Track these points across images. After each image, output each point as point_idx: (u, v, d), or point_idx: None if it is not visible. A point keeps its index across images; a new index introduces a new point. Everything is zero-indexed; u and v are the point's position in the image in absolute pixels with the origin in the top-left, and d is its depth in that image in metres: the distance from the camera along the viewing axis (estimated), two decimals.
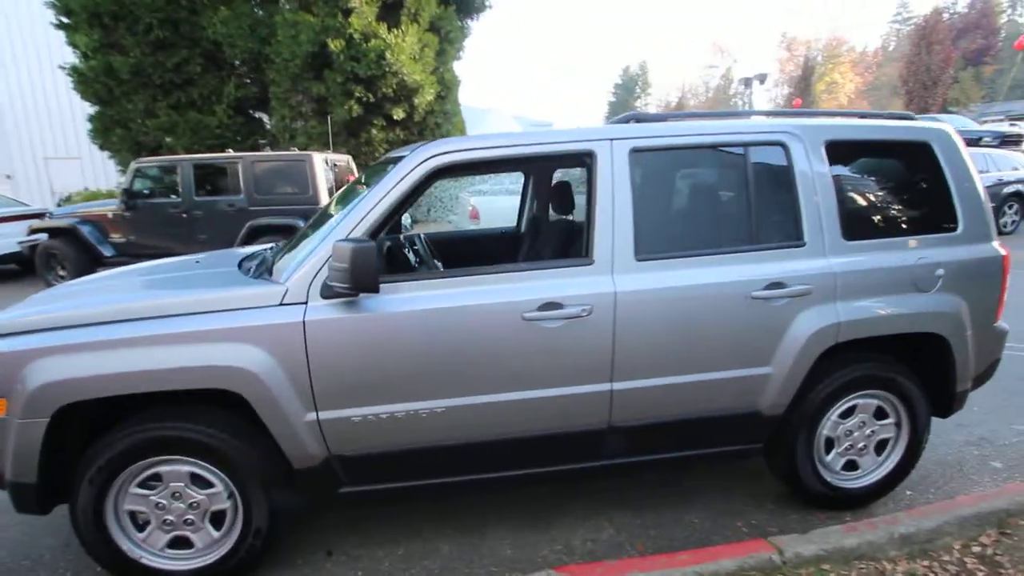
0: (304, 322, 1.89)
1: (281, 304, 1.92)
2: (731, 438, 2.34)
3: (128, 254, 7.68)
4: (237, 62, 10.97)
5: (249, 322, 1.88)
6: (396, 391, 1.98)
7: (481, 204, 9.01)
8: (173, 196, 7.61)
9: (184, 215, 7.58)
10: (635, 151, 2.13)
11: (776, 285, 2.16)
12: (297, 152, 7.98)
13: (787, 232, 2.25)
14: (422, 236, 2.58)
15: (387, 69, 9.71)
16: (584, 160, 2.13)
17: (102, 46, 10.54)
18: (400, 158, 2.13)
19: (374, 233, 1.99)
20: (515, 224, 3.82)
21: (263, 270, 2.16)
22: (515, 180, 9.25)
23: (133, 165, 7.80)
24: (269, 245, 2.86)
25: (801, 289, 2.18)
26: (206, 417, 1.93)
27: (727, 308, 2.15)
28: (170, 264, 2.65)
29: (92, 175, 17.42)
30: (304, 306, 1.92)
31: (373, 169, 2.75)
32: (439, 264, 2.34)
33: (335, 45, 9.54)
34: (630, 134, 2.15)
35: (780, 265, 2.19)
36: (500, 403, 2.04)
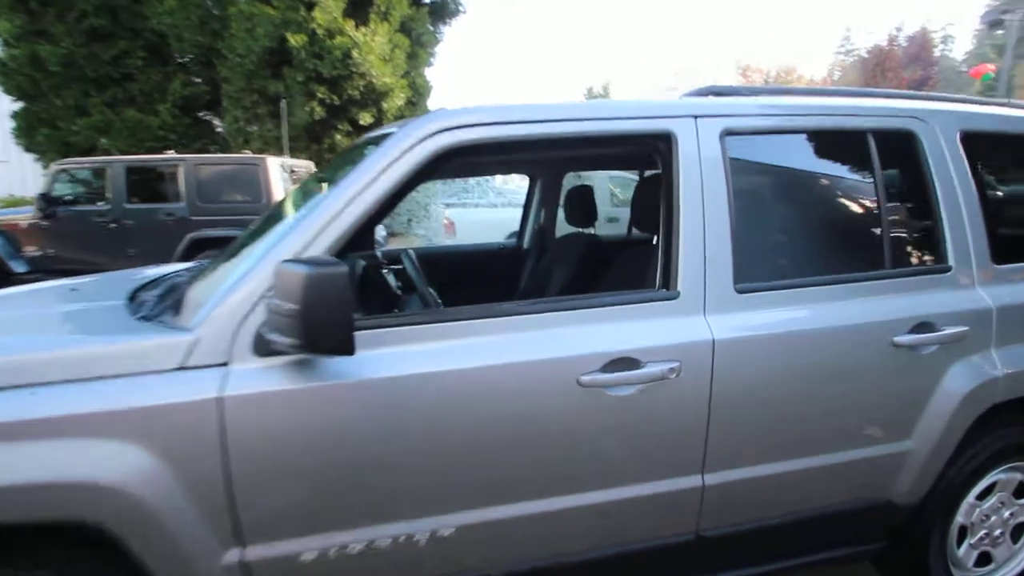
0: (221, 399, 1.12)
1: (182, 368, 1.13)
2: (845, 539, 1.68)
3: (44, 269, 6.54)
4: (184, 57, 9.95)
5: (123, 401, 1.09)
6: (380, 506, 1.22)
7: (456, 217, 8.27)
8: (100, 203, 6.57)
9: (112, 225, 6.53)
10: (729, 134, 1.47)
11: (924, 327, 1.52)
12: (249, 155, 7.08)
13: (925, 253, 1.64)
14: (412, 254, 1.85)
15: (354, 69, 8.93)
16: (656, 147, 1.45)
17: (27, 33, 9.35)
18: (386, 135, 1.41)
19: (343, 250, 1.25)
20: (516, 239, 3.12)
21: (164, 307, 1.37)
22: (497, 191, 8.62)
23: (53, 167, 6.74)
24: (187, 265, 2.04)
25: (955, 332, 1.54)
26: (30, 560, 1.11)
27: (864, 360, 1.49)
28: (24, 294, 1.80)
29: (20, 180, 15.77)
30: (223, 371, 1.14)
31: (341, 158, 2.00)
32: (437, 298, 1.63)
33: (296, 40, 8.70)
34: (720, 111, 1.49)
35: (924, 298, 1.56)
36: (541, 516, 1.31)
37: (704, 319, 1.37)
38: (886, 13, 49.08)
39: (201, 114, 10.80)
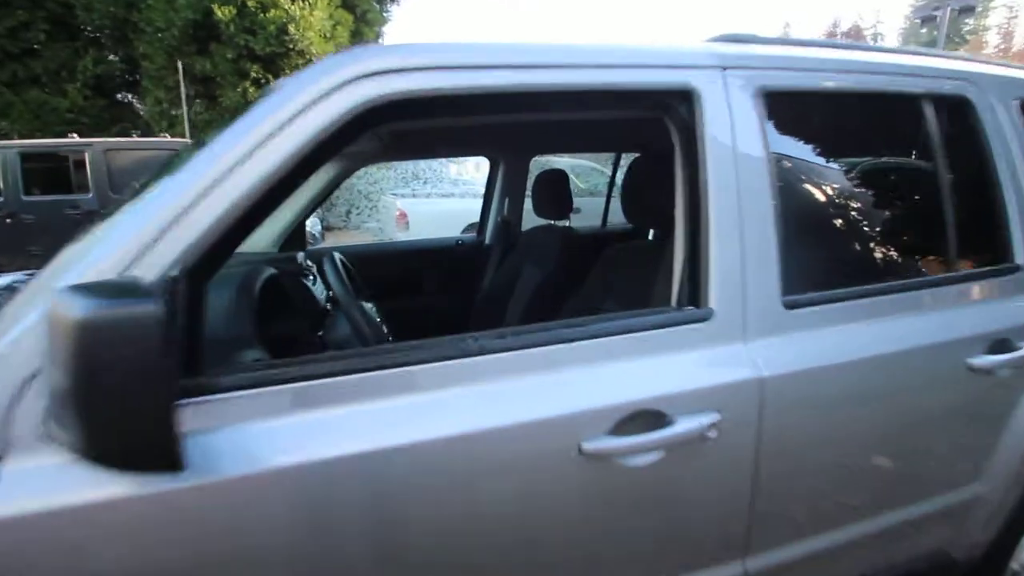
0: None
1: None
2: None
3: None
4: (95, 31, 8.86)
5: None
6: None
7: (410, 208, 7.68)
8: None
9: (7, 220, 5.66)
10: (767, 94, 1.08)
11: (1002, 345, 1.20)
12: (168, 139, 6.29)
13: (989, 249, 1.32)
14: (338, 258, 1.38)
15: (291, 46, 8.15)
16: (669, 109, 1.05)
17: None
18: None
19: (211, 260, 0.78)
20: (476, 232, 2.69)
21: None
22: (452, 181, 8.05)
23: None
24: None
25: None
26: None
27: (937, 390, 1.16)
28: None
29: None
30: None
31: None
32: (375, 319, 1.19)
33: (223, 13, 7.83)
34: (754, 62, 1.10)
35: (996, 307, 1.24)
36: None
37: (745, 347, 0.99)
38: (822, 10, 51.14)
39: (120, 96, 9.71)
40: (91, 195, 5.73)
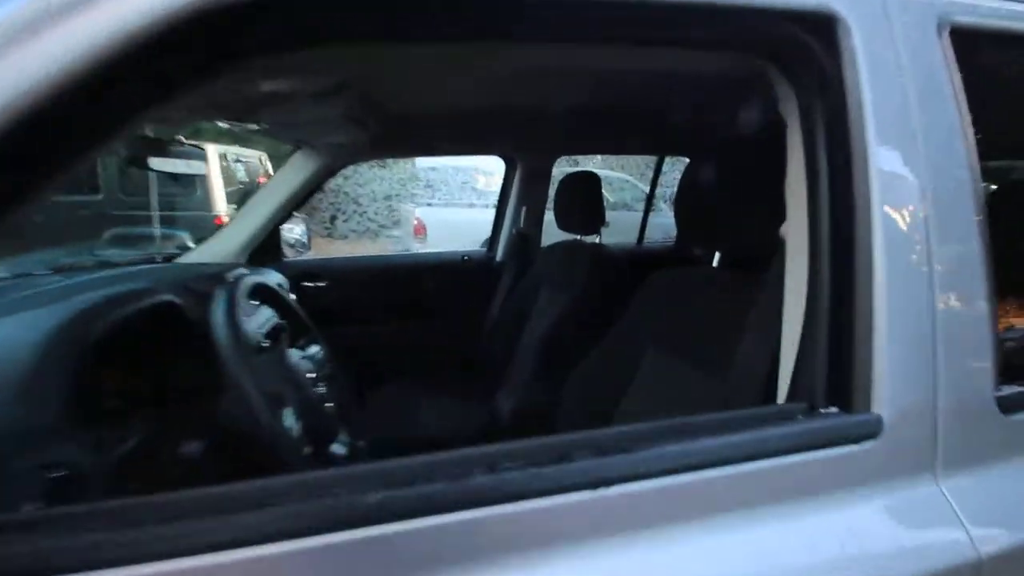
0: None
1: None
2: None
3: None
4: None
5: None
6: None
7: (429, 217, 7.30)
8: None
9: None
10: (957, 31, 0.62)
11: None
12: None
13: None
14: (282, 294, 0.95)
15: None
16: (786, 47, 0.60)
17: None
18: None
19: None
20: (487, 247, 2.26)
21: None
22: (479, 193, 7.56)
23: None
24: None
25: None
26: None
27: None
28: None
29: None
30: None
31: None
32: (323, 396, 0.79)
33: None
34: None
35: None
36: None
37: (940, 490, 0.52)
38: None
39: None
40: (101, 196, 5.53)
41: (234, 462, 0.68)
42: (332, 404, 0.88)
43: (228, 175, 5.81)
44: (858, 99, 0.56)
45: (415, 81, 1.26)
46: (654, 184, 2.55)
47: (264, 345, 0.96)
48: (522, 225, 2.13)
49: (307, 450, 0.72)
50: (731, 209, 0.89)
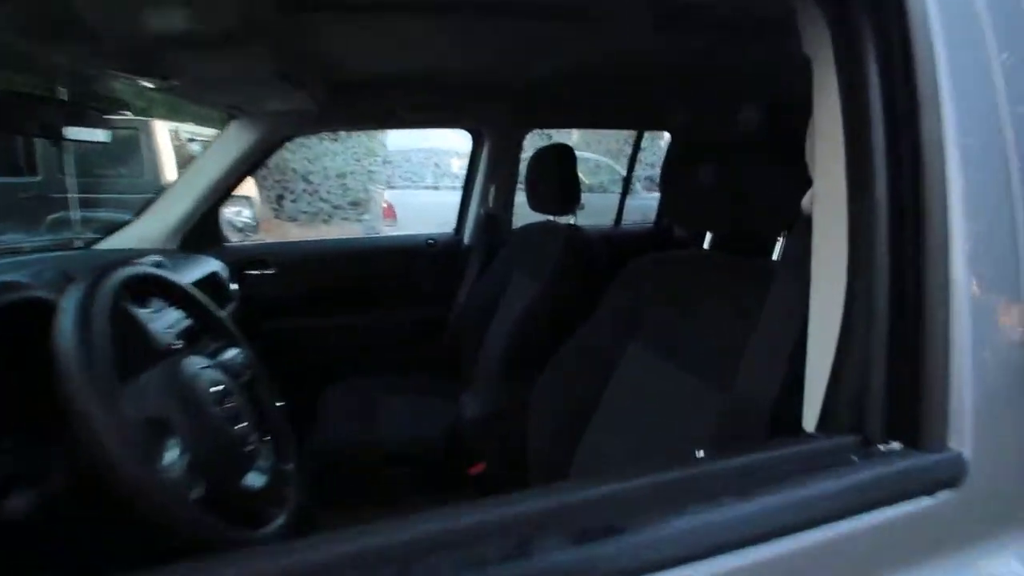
0: None
1: None
2: None
3: None
4: None
5: None
6: None
7: (399, 200, 7.02)
8: None
9: None
10: None
11: None
12: (129, 116, 5.66)
13: None
14: (182, 287, 0.76)
15: None
16: None
17: None
18: None
19: None
20: (454, 229, 2.08)
21: None
22: (455, 177, 7.25)
23: None
24: None
25: None
26: None
27: None
28: None
29: None
30: None
31: None
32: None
33: None
34: None
35: None
36: None
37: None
38: None
39: None
40: (40, 177, 5.12)
41: (80, 520, 0.51)
42: (246, 423, 0.71)
43: (183, 155, 5.43)
44: (923, 16, 0.40)
45: (361, 39, 1.07)
46: (633, 161, 2.40)
47: (175, 348, 0.78)
48: (491, 205, 1.95)
49: (196, 492, 0.55)
50: (729, 181, 0.74)
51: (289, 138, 1.68)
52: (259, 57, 0.99)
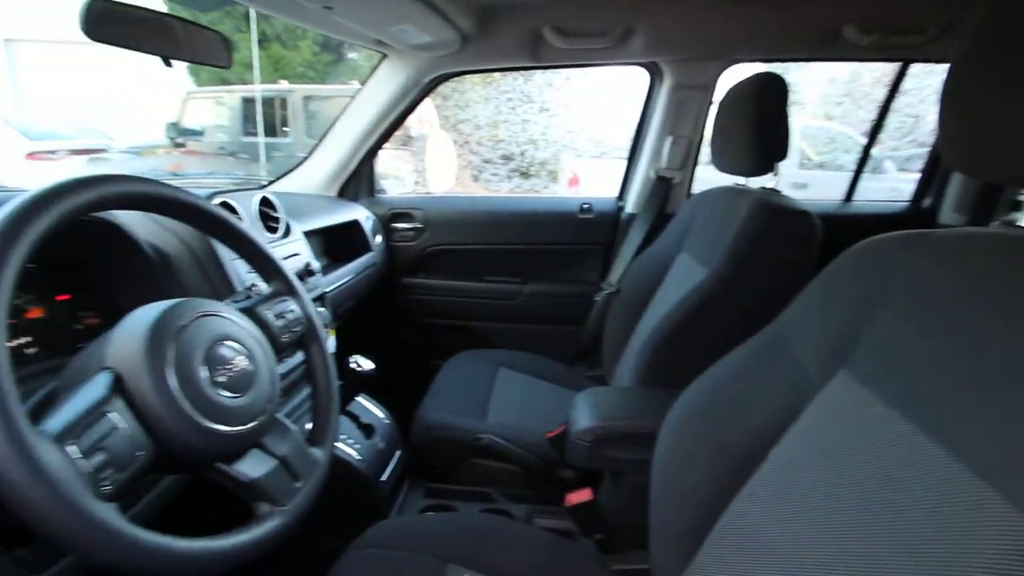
0: None
1: None
2: None
3: None
4: None
5: None
6: None
7: (586, 169, 6.71)
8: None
9: (229, 157, 6.40)
10: None
11: None
12: (356, 85, 6.38)
13: None
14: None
15: None
16: None
17: None
18: None
19: None
20: (618, 196, 1.73)
21: None
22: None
23: (183, 95, 6.76)
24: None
25: None
26: None
27: None
28: None
29: None
30: None
31: None
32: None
33: None
34: None
35: None
36: None
37: None
38: None
39: (343, 51, 10.55)
40: (290, 139, 6.10)
41: None
42: (251, 392, 0.54)
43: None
44: None
45: None
46: (883, 114, 1.71)
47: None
48: (663, 165, 1.56)
49: (111, 482, 0.38)
50: None
51: (441, 78, 1.52)
52: None
